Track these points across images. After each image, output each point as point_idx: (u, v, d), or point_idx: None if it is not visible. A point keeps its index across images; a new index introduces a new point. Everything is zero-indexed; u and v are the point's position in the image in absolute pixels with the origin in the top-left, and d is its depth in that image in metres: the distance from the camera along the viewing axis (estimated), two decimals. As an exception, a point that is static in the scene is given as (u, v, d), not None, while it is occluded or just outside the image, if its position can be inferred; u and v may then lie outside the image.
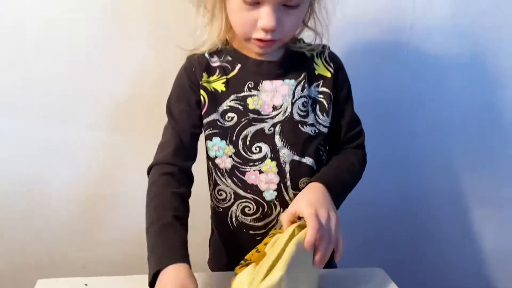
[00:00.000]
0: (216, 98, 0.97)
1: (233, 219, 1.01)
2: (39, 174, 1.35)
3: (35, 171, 1.35)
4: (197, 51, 0.99)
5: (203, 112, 0.97)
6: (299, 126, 0.97)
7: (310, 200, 0.86)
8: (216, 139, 0.96)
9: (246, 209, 0.99)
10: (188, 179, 0.95)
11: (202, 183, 1.04)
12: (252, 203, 0.98)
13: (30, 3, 1.22)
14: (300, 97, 0.97)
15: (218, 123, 0.96)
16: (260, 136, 0.96)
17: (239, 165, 0.97)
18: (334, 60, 1.02)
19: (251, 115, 0.96)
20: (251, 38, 0.91)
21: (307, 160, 0.97)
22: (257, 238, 0.99)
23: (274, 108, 0.96)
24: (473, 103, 1.47)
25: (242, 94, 0.96)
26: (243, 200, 0.98)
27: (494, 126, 1.50)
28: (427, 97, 1.45)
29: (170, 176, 0.92)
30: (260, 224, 1.00)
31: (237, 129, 0.96)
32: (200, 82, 0.97)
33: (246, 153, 0.96)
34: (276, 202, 0.98)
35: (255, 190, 0.97)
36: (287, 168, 0.97)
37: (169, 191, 0.89)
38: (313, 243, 0.80)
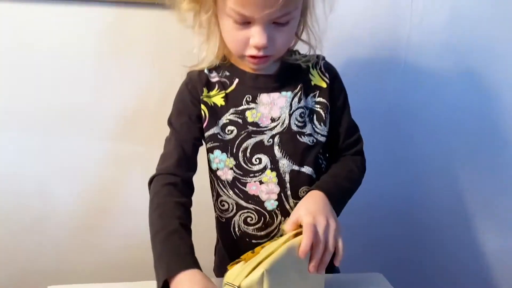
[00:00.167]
0: (216, 112, 0.99)
1: (236, 229, 1.02)
2: (47, 185, 1.37)
3: (43, 182, 1.37)
4: (197, 67, 1.01)
5: (204, 126, 0.99)
6: (297, 136, 0.98)
7: (310, 208, 0.88)
8: (217, 152, 0.98)
9: (248, 219, 1.01)
10: (189, 190, 0.97)
11: (207, 190, 1.07)
12: (254, 213, 1.00)
13: (42, 23, 1.25)
14: (297, 108, 0.99)
15: (219, 136, 0.98)
16: (259, 147, 0.98)
17: (240, 177, 0.98)
18: (329, 70, 1.04)
19: (250, 128, 0.98)
20: (245, 55, 0.93)
21: (306, 170, 0.99)
22: (259, 247, 1.02)
23: (272, 120, 0.98)
24: (471, 107, 1.48)
25: (241, 107, 0.98)
26: (245, 211, 1.00)
27: (492, 129, 1.51)
28: (426, 103, 1.46)
29: (173, 186, 0.93)
30: (262, 233, 1.01)
31: (237, 141, 0.98)
32: (201, 97, 0.99)
33: (247, 165, 0.98)
34: (277, 211, 1.00)
35: (256, 200, 0.99)
36: (287, 178, 0.98)
37: (172, 201, 0.90)
38: (307, 251, 0.81)
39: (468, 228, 1.60)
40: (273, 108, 0.98)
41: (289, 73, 1.01)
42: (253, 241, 1.01)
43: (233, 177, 0.99)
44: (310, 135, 0.99)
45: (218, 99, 0.99)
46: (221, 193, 1.01)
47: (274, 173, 0.98)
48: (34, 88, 1.30)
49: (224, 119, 0.99)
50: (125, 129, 1.35)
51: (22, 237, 1.39)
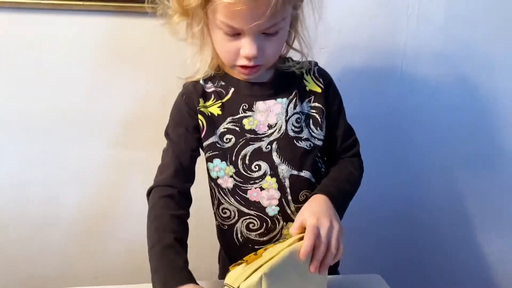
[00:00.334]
0: (213, 122, 1.00)
1: (239, 235, 1.03)
2: (50, 191, 1.40)
3: (46, 188, 1.40)
4: (193, 78, 1.03)
5: (202, 135, 1.00)
6: (295, 141, 1.00)
7: (314, 210, 0.88)
8: (217, 161, 1.00)
9: (251, 225, 1.02)
10: (187, 201, 0.98)
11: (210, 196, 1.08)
12: (256, 219, 1.01)
13: (46, 32, 1.29)
14: (293, 114, 1.00)
15: (217, 145, 1.00)
16: (258, 154, 0.99)
17: (240, 184, 1.00)
18: (323, 76, 1.05)
19: (248, 135, 0.99)
20: (236, 65, 0.95)
21: (305, 174, 1.00)
22: (262, 253, 1.02)
23: (269, 126, 1.00)
24: (467, 110, 1.49)
25: (238, 116, 1.00)
26: (247, 217, 1.01)
27: (489, 130, 1.52)
28: (424, 106, 1.47)
29: (170, 198, 0.94)
30: (264, 239, 1.02)
31: (236, 149, 0.99)
32: (197, 108, 1.01)
33: (246, 172, 0.99)
34: (279, 217, 1.01)
35: (257, 206, 1.00)
36: (287, 183, 1.00)
37: (169, 214, 0.91)
38: (308, 252, 0.81)
39: (468, 228, 1.60)
40: (269, 115, 1.00)
41: (283, 80, 1.03)
42: (256, 246, 1.02)
43: (233, 185, 1.00)
44: (307, 139, 1.01)
45: (214, 108, 1.01)
46: (222, 201, 1.02)
47: (274, 179, 0.99)
48: (37, 96, 1.34)
49: (221, 128, 1.00)
50: (127, 135, 1.38)
51: (27, 242, 1.42)
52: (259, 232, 1.02)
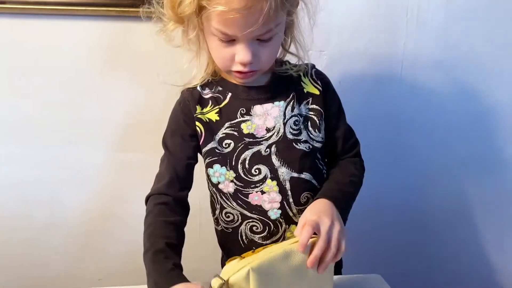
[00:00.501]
0: (211, 128, 1.01)
1: (244, 237, 1.04)
2: (55, 193, 1.42)
3: (50, 190, 1.41)
4: (190, 85, 1.04)
5: (201, 142, 1.01)
6: (293, 144, 1.00)
7: (316, 210, 0.89)
8: (217, 166, 1.00)
9: (254, 228, 1.02)
10: (182, 208, 0.99)
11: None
12: (259, 222, 1.02)
13: (51, 38, 1.31)
14: (291, 117, 1.01)
15: (216, 150, 1.00)
16: (257, 158, 0.99)
17: (241, 188, 1.00)
18: (321, 79, 1.06)
19: (247, 139, 1.00)
20: (232, 71, 0.96)
21: (306, 176, 1.01)
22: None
23: (268, 130, 1.00)
24: (466, 112, 1.49)
25: (236, 120, 1.00)
26: (250, 220, 1.02)
27: (488, 132, 1.52)
28: (424, 109, 1.48)
29: (164, 205, 0.96)
30: (268, 242, 1.02)
31: (235, 154, 0.99)
32: (194, 115, 1.01)
33: (247, 176, 0.99)
34: (281, 220, 1.01)
35: (259, 210, 1.01)
36: (288, 186, 1.00)
37: (162, 220, 0.93)
38: (304, 244, 0.82)
39: (468, 229, 1.60)
40: (267, 118, 1.00)
41: (280, 83, 1.03)
42: None
43: (234, 189, 1.01)
44: (306, 142, 1.01)
45: (212, 114, 1.01)
46: (225, 205, 1.03)
47: (274, 182, 1.00)
48: (41, 99, 1.35)
49: (220, 134, 1.01)
50: (129, 138, 1.40)
51: (30, 243, 1.44)
52: (262, 235, 1.02)
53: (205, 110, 1.02)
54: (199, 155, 1.05)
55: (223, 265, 1.19)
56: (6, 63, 1.32)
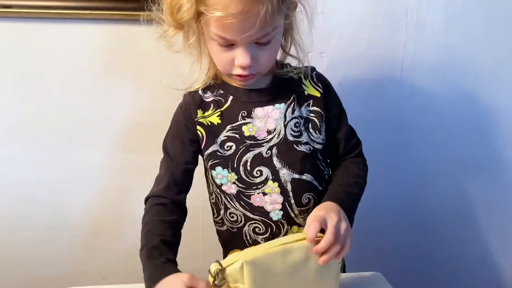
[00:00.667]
0: (213, 131, 1.02)
1: (248, 238, 1.05)
2: (60, 194, 1.44)
3: (56, 191, 1.43)
4: (192, 88, 1.06)
5: (202, 146, 1.03)
6: (294, 146, 1.01)
7: (323, 207, 0.91)
8: (219, 168, 1.02)
9: (257, 229, 1.03)
10: (179, 210, 1.01)
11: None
12: (261, 224, 1.03)
13: (55, 41, 1.34)
14: (291, 119, 1.02)
15: (218, 153, 1.01)
16: (259, 160, 1.00)
17: (243, 190, 1.01)
18: (322, 81, 1.07)
19: (248, 142, 1.01)
20: (232, 74, 0.97)
21: (307, 177, 1.02)
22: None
23: (269, 132, 1.01)
24: (465, 113, 1.51)
25: (237, 123, 1.02)
26: (253, 221, 1.03)
27: (487, 132, 1.53)
28: (423, 110, 1.49)
29: (161, 206, 0.99)
30: None
31: (237, 156, 1.01)
32: (195, 119, 1.03)
33: (248, 178, 1.01)
34: (283, 221, 1.02)
35: (261, 212, 1.02)
36: (289, 187, 1.01)
37: (158, 219, 0.96)
38: (313, 238, 0.83)
39: (468, 228, 1.61)
40: (268, 120, 1.01)
41: (281, 85, 1.04)
42: None
43: (237, 191, 1.02)
44: (306, 143, 1.02)
45: (214, 118, 1.03)
46: (229, 206, 1.04)
47: (276, 184, 1.01)
48: (46, 102, 1.37)
49: (222, 136, 1.02)
50: (132, 140, 1.42)
51: (35, 243, 1.46)
52: (264, 236, 1.04)
53: (206, 113, 1.03)
54: (200, 158, 1.06)
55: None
56: (12, 65, 1.34)
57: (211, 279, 0.83)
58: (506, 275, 1.65)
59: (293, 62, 1.08)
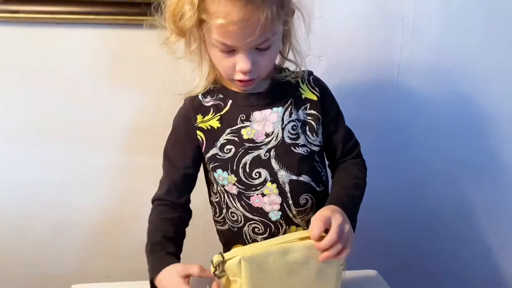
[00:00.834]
0: (213, 135, 1.05)
1: (248, 237, 1.08)
2: (66, 194, 1.46)
3: (62, 192, 1.46)
4: (192, 93, 1.09)
5: (203, 149, 1.06)
6: (292, 148, 1.04)
7: (328, 208, 0.93)
8: (219, 171, 1.05)
9: (256, 229, 1.06)
10: (183, 210, 1.06)
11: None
12: (260, 224, 1.05)
13: (60, 45, 1.36)
14: (289, 122, 1.05)
15: (218, 156, 1.04)
16: (257, 162, 1.03)
17: (243, 191, 1.04)
18: (319, 85, 1.10)
19: (247, 144, 1.03)
20: (234, 79, 1.00)
21: (304, 178, 1.05)
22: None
23: (267, 135, 1.04)
24: (463, 113, 1.53)
25: (236, 126, 1.04)
26: (252, 222, 1.06)
27: (484, 133, 1.56)
28: (420, 112, 1.51)
29: (165, 206, 1.05)
30: None
31: (236, 159, 1.03)
32: (195, 124, 1.06)
33: (248, 180, 1.03)
34: (281, 221, 1.05)
35: (260, 212, 1.05)
36: (287, 188, 1.04)
37: (161, 217, 1.03)
38: (317, 236, 0.86)
39: (465, 226, 1.63)
40: (266, 124, 1.04)
41: (279, 89, 1.07)
42: None
43: (237, 192, 1.05)
44: (304, 145, 1.05)
45: (214, 122, 1.05)
46: (230, 205, 1.07)
47: (274, 185, 1.03)
48: (53, 106, 1.39)
49: (221, 140, 1.05)
50: (137, 142, 1.44)
51: (42, 242, 1.48)
52: (264, 236, 1.06)
53: (206, 118, 1.06)
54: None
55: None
56: (19, 67, 1.36)
57: (212, 269, 0.87)
58: (505, 273, 1.67)
59: (292, 67, 1.10)
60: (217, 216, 1.13)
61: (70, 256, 1.51)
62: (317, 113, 1.07)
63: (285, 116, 1.05)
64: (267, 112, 1.05)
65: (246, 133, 1.04)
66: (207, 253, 0.92)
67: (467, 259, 1.65)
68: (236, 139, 1.04)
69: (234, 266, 0.86)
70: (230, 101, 1.06)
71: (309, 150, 1.06)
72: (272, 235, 1.05)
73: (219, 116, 1.06)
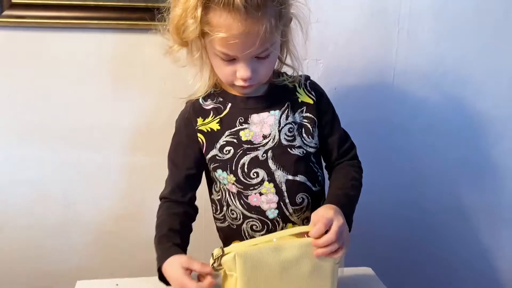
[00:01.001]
0: (213, 137, 1.09)
1: (246, 234, 1.12)
2: (72, 193, 1.49)
3: (68, 190, 1.49)
4: (194, 96, 1.13)
5: (203, 151, 1.10)
6: (288, 149, 1.08)
7: (330, 208, 0.97)
8: (219, 171, 1.09)
9: (254, 227, 1.10)
10: (188, 206, 1.11)
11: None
12: (258, 221, 1.09)
13: (66, 49, 1.39)
14: (285, 125, 1.09)
15: (218, 157, 1.08)
16: (255, 162, 1.07)
17: (242, 190, 1.08)
18: (315, 89, 1.14)
19: (245, 146, 1.07)
20: (234, 85, 1.04)
21: (300, 178, 1.09)
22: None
23: (264, 137, 1.08)
24: (456, 114, 1.56)
25: (235, 128, 1.08)
26: (250, 220, 1.10)
27: (479, 132, 1.59)
28: (414, 113, 1.54)
29: (171, 202, 1.09)
30: None
31: (235, 159, 1.07)
32: (196, 127, 1.10)
33: (246, 179, 1.07)
34: (278, 219, 1.09)
35: (258, 210, 1.09)
36: (284, 188, 1.08)
37: (168, 212, 1.08)
38: (318, 235, 0.90)
39: (459, 224, 1.65)
40: (263, 126, 1.08)
41: (276, 93, 1.11)
42: None
43: (236, 191, 1.09)
44: (300, 147, 1.09)
45: (213, 124, 1.10)
46: (230, 203, 1.11)
47: (271, 184, 1.07)
48: (57, 108, 1.42)
49: (221, 141, 1.09)
50: (139, 142, 1.47)
51: (51, 239, 1.51)
52: (261, 233, 1.10)
53: (206, 120, 1.10)
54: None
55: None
56: (25, 71, 1.39)
57: (211, 261, 0.91)
58: (500, 271, 1.70)
59: (290, 71, 1.14)
60: (217, 213, 1.17)
61: (75, 253, 1.54)
62: (313, 116, 1.11)
63: (281, 118, 1.09)
64: (264, 115, 1.09)
65: (244, 135, 1.08)
66: (207, 251, 0.95)
67: (462, 257, 1.68)
68: (235, 140, 1.08)
69: (230, 261, 0.90)
70: (230, 104, 1.10)
71: (305, 151, 1.10)
72: (269, 232, 1.09)
73: (218, 119, 1.10)
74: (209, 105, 1.12)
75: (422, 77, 1.51)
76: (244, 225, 1.11)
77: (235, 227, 1.13)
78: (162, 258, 0.97)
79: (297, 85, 1.13)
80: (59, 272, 1.53)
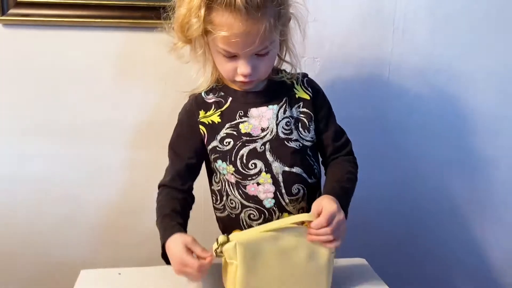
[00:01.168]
0: (214, 129, 1.13)
1: (244, 223, 1.16)
2: (74, 188, 1.52)
3: (71, 186, 1.52)
4: (196, 90, 1.17)
5: (205, 142, 1.14)
6: (285, 142, 1.12)
7: (333, 200, 1.01)
8: (219, 161, 1.13)
9: (251, 216, 1.14)
10: (187, 194, 1.14)
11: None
12: (255, 210, 1.13)
13: (70, 48, 1.41)
14: (283, 119, 1.13)
15: (218, 148, 1.13)
16: (253, 154, 1.12)
17: (240, 180, 1.12)
18: (312, 86, 1.18)
19: (244, 138, 1.12)
20: (235, 80, 1.09)
21: (296, 170, 1.13)
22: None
23: (262, 130, 1.12)
24: (449, 112, 1.58)
25: (235, 121, 1.13)
26: (248, 209, 1.14)
27: (474, 130, 1.61)
28: (409, 111, 1.57)
29: (171, 189, 1.13)
30: None
31: (234, 151, 1.12)
32: (198, 119, 1.14)
33: (244, 170, 1.12)
34: (274, 208, 1.13)
35: (256, 200, 1.13)
36: (280, 178, 1.12)
37: (168, 197, 1.11)
38: (319, 227, 0.95)
39: (451, 218, 1.68)
40: (262, 119, 1.13)
41: (275, 89, 1.15)
42: None
43: (235, 181, 1.13)
44: (296, 140, 1.13)
45: (215, 117, 1.14)
46: (229, 193, 1.15)
47: (268, 175, 1.12)
48: (61, 105, 1.45)
49: (221, 133, 1.13)
50: (142, 138, 1.50)
51: (55, 233, 1.54)
52: (258, 222, 1.14)
53: (208, 113, 1.15)
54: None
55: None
56: (30, 69, 1.42)
57: (215, 246, 0.95)
58: (487, 263, 1.72)
59: (288, 67, 1.18)
60: (217, 203, 1.21)
61: (78, 247, 1.56)
62: (309, 111, 1.16)
63: (279, 113, 1.14)
64: (263, 109, 1.14)
65: (243, 128, 1.13)
66: (207, 244, 0.99)
67: (453, 248, 1.70)
68: (234, 133, 1.13)
69: (231, 250, 0.94)
70: (230, 98, 1.15)
71: (301, 144, 1.14)
72: (266, 221, 1.13)
73: (219, 112, 1.14)
74: (211, 99, 1.16)
75: (416, 75, 1.54)
76: (242, 214, 1.15)
77: (234, 216, 1.17)
78: (166, 235, 1.01)
79: (295, 81, 1.17)
80: (63, 265, 1.55)
